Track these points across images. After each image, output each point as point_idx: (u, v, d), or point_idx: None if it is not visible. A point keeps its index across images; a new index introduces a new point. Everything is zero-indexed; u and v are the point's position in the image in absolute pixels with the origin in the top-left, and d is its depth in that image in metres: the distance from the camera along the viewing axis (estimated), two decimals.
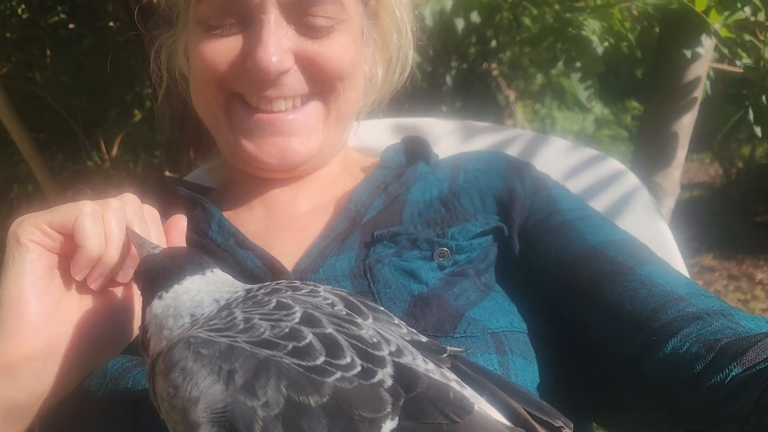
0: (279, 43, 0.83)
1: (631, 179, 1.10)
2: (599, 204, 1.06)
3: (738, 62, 1.54)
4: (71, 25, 2.76)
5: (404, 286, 0.79)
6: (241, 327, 0.53)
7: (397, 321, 0.60)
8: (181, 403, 0.50)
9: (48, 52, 2.89)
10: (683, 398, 0.66)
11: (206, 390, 0.49)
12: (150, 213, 0.75)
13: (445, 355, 0.57)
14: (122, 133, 2.92)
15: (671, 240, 1.02)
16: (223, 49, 0.86)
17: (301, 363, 0.50)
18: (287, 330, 0.52)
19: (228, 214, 0.92)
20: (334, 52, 0.87)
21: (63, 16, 2.93)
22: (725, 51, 1.55)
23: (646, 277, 0.77)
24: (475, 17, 1.74)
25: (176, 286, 0.60)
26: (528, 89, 3.86)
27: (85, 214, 0.67)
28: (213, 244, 0.86)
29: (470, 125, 1.21)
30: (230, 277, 0.64)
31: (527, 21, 1.89)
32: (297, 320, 0.54)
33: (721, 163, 5.79)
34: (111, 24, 2.83)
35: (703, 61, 1.74)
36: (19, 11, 2.83)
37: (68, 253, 0.70)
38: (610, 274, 0.79)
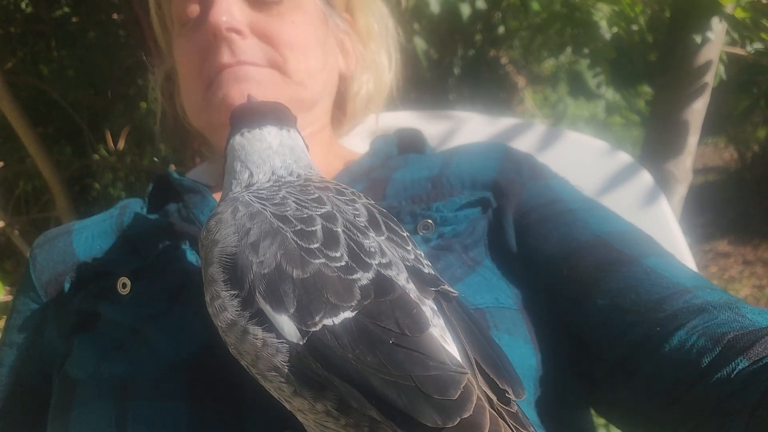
0: (228, 5, 0.89)
1: (644, 175, 1.07)
2: (608, 199, 1.03)
3: (749, 48, 1.50)
4: (74, 19, 2.75)
5: None
6: (276, 201, 0.62)
7: (410, 247, 0.64)
8: (207, 243, 0.60)
9: (53, 46, 2.88)
10: (690, 392, 0.65)
11: (225, 238, 0.58)
12: None
13: (434, 288, 0.60)
14: (128, 127, 2.91)
15: (680, 235, 0.99)
16: (193, 42, 0.92)
17: (298, 242, 0.57)
18: (305, 216, 0.60)
19: None
20: (284, 24, 0.93)
21: (67, 9, 2.92)
22: (735, 36, 1.51)
23: (651, 268, 0.76)
24: (481, 3, 1.70)
25: (256, 131, 0.70)
26: (540, 74, 3.81)
27: None
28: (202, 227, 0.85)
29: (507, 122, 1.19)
30: (302, 143, 0.74)
31: (535, 5, 1.85)
32: (319, 213, 0.61)
33: (735, 147, 5.70)
34: (115, 16, 2.81)
35: (715, 45, 1.70)
36: (23, 5, 2.83)
37: None
38: (614, 264, 0.77)
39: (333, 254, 0.57)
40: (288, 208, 0.61)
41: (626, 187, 1.05)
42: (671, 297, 0.72)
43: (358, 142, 1.07)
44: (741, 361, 0.61)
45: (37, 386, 0.87)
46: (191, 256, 0.81)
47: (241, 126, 0.71)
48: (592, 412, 0.84)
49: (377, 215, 0.65)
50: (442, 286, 0.60)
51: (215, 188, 1.01)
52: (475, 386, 0.52)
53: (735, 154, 5.72)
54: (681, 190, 1.91)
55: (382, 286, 0.56)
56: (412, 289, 0.58)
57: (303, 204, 0.62)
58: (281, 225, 0.58)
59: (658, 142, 1.89)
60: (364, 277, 0.56)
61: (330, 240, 0.58)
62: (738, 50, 1.77)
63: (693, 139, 1.86)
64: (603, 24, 1.48)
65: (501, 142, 1.06)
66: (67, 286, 0.83)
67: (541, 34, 1.76)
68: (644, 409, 0.72)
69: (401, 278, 0.58)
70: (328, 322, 0.53)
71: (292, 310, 0.53)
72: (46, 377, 0.86)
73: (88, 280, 0.83)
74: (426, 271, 0.62)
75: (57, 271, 0.89)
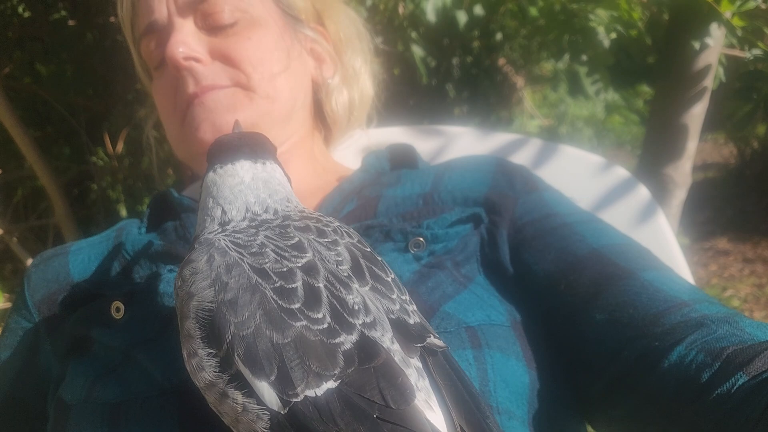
0: (184, 36, 0.91)
1: (641, 190, 1.06)
2: (605, 214, 1.02)
3: (748, 54, 1.49)
4: (71, 22, 2.74)
5: None
6: (254, 250, 0.59)
7: (395, 295, 0.62)
8: (183, 294, 0.57)
9: (51, 49, 2.87)
10: (689, 408, 0.64)
11: (201, 291, 0.56)
12: None
13: (419, 344, 0.59)
14: (126, 130, 2.91)
15: (678, 249, 0.99)
16: (163, 79, 0.96)
17: (278, 301, 0.55)
18: (285, 270, 0.57)
19: None
20: (241, 41, 0.93)
21: (64, 13, 2.90)
22: (734, 42, 1.50)
23: (649, 282, 0.75)
24: (479, 10, 1.69)
25: (228, 166, 0.68)
26: (539, 74, 3.79)
27: None
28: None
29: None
30: (279, 175, 0.71)
31: (533, 11, 1.84)
32: (299, 265, 0.58)
33: (735, 144, 5.69)
34: (112, 19, 2.80)
35: (714, 50, 1.69)
36: (20, 10, 2.82)
37: None
38: (612, 278, 0.77)
39: (315, 315, 0.55)
40: (267, 259, 0.58)
41: (623, 202, 1.05)
42: (669, 311, 0.71)
43: (350, 158, 1.07)
44: (741, 376, 0.61)
45: (33, 405, 0.87)
46: None
47: (215, 161, 0.70)
48: (589, 429, 0.83)
49: (361, 260, 0.63)
50: (428, 339, 0.59)
51: None
52: None
53: (734, 150, 5.71)
54: (680, 194, 1.90)
55: (367, 350, 0.54)
56: (397, 350, 0.57)
57: (282, 253, 0.59)
58: (260, 281, 0.56)
59: (657, 146, 1.88)
60: (347, 341, 0.54)
61: (311, 298, 0.56)
62: (738, 53, 1.77)
63: (692, 143, 1.86)
64: (601, 30, 1.47)
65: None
66: (59, 306, 0.83)
67: (539, 35, 1.76)
68: (643, 426, 0.72)
69: (386, 339, 0.57)
70: (310, 393, 0.51)
71: (272, 378, 0.51)
72: (42, 396, 0.86)
73: (81, 301, 0.83)
74: (412, 321, 0.60)
75: (51, 290, 0.89)
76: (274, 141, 0.94)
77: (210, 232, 0.64)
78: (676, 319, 0.70)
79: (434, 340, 0.60)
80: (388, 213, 0.87)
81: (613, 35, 1.55)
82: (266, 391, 0.51)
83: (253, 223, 0.64)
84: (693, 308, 0.71)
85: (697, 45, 1.55)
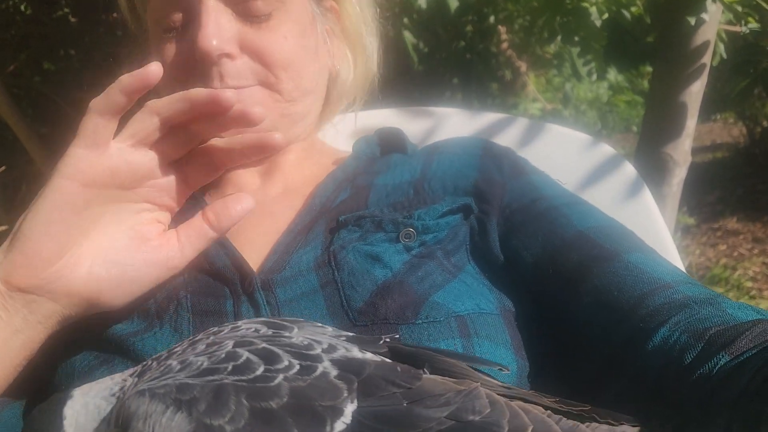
0: (218, 25, 0.85)
1: (627, 167, 1.07)
2: (592, 191, 1.03)
3: (744, 28, 1.48)
4: (73, 19, 2.76)
5: (368, 273, 0.78)
6: (178, 368, 0.54)
7: (320, 325, 0.62)
8: None
9: (54, 47, 2.89)
10: (674, 389, 0.65)
11: (168, 423, 0.49)
12: None
13: (381, 342, 0.60)
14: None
15: (664, 226, 1.00)
16: (178, 53, 0.89)
17: (242, 377, 0.51)
18: (223, 355, 0.54)
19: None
20: (277, 41, 0.88)
21: (66, 10, 2.93)
22: (731, 17, 1.49)
23: (633, 264, 0.76)
24: None
25: (65, 423, 0.57)
26: (542, 57, 3.77)
27: (162, 99, 0.73)
28: None
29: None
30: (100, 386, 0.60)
31: None
32: (230, 347, 0.55)
33: (744, 123, 5.63)
34: (114, 15, 2.82)
35: (711, 25, 1.68)
36: (22, 8, 2.84)
37: (128, 182, 0.74)
38: (597, 260, 0.77)
39: (281, 366, 0.53)
40: (199, 362, 0.54)
41: (610, 180, 1.05)
42: (652, 293, 0.72)
43: (341, 141, 1.07)
44: (723, 356, 0.62)
45: None
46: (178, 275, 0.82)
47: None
48: None
49: (271, 319, 0.63)
50: (383, 338, 0.61)
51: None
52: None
53: (743, 129, 5.65)
54: (680, 173, 1.90)
55: (352, 366, 0.54)
56: (370, 356, 0.57)
57: (205, 353, 0.56)
58: (212, 377, 0.51)
59: (656, 125, 1.88)
60: (328, 368, 0.53)
61: (268, 356, 0.54)
62: (738, 29, 1.75)
63: (691, 122, 1.85)
64: (593, 11, 1.47)
65: (483, 137, 1.06)
66: None
67: (533, 17, 1.75)
68: (630, 408, 0.72)
69: (355, 352, 0.57)
70: (340, 426, 0.49)
71: None
72: None
73: None
74: (350, 335, 0.62)
75: None
76: (288, 139, 0.93)
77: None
78: (660, 301, 0.70)
79: (387, 335, 0.62)
80: (379, 203, 0.87)
81: (606, 15, 1.54)
82: None
83: (132, 382, 0.57)
84: (676, 290, 0.71)
85: (692, 21, 1.54)
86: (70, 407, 0.57)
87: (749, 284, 3.67)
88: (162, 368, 0.55)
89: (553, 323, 0.80)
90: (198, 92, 0.72)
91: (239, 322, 0.62)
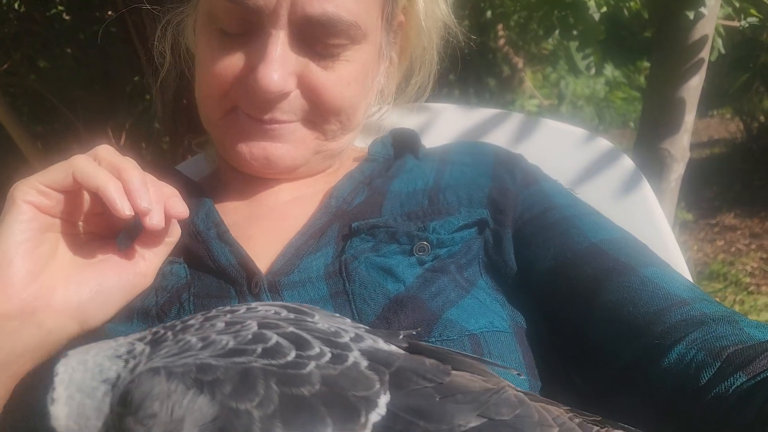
0: (284, 63, 0.80)
1: (625, 161, 1.06)
2: (590, 186, 1.02)
3: (743, 22, 1.47)
4: (67, 17, 2.75)
5: (380, 286, 0.76)
6: (200, 346, 0.51)
7: (338, 316, 0.61)
8: (162, 429, 0.45)
9: (47, 44, 2.88)
10: (687, 408, 0.64)
11: (190, 405, 0.46)
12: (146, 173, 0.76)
13: (401, 337, 0.58)
14: (128, 124, 2.92)
15: (664, 220, 0.99)
16: (228, 63, 0.82)
17: (273, 362, 0.48)
18: (250, 336, 0.51)
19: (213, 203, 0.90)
20: (339, 86, 0.83)
21: (61, 8, 2.91)
22: (732, 12, 1.49)
23: (649, 278, 0.74)
24: None
25: (56, 379, 0.53)
26: (538, 54, 3.76)
27: (80, 161, 0.70)
28: (194, 232, 0.84)
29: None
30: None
31: None
32: (255, 328, 0.52)
33: (741, 119, 5.64)
34: (109, 13, 2.80)
35: (709, 20, 1.67)
36: (16, 5, 2.82)
37: (71, 215, 0.73)
38: (612, 273, 0.76)
39: (312, 353, 0.50)
40: (224, 341, 0.51)
41: (608, 174, 1.04)
42: (669, 309, 0.70)
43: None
44: (740, 376, 0.61)
45: None
46: (181, 270, 0.81)
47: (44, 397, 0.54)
48: None
49: (290, 305, 0.60)
50: (402, 333, 0.60)
51: (202, 181, 1.01)
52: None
53: (740, 125, 5.65)
54: (679, 168, 1.89)
55: (380, 358, 0.52)
56: (395, 349, 0.55)
57: (228, 332, 0.53)
58: (240, 359, 0.48)
59: (654, 121, 1.87)
60: (358, 358, 0.51)
61: (298, 341, 0.51)
62: (736, 23, 1.74)
63: (689, 117, 1.84)
64: (591, 5, 1.46)
65: (481, 133, 1.04)
66: None
67: (530, 12, 1.74)
68: (641, 423, 0.71)
69: (380, 344, 0.55)
70: (375, 417, 0.47)
71: (329, 430, 0.45)
72: None
73: None
74: (367, 328, 0.60)
75: None
76: (314, 168, 0.91)
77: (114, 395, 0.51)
78: (677, 317, 0.69)
79: (405, 331, 0.61)
80: (393, 212, 0.85)
81: (604, 9, 1.53)
82: None
83: (142, 350, 0.54)
84: (693, 306, 0.70)
85: (691, 15, 1.53)
86: (63, 364, 0.54)
87: (747, 279, 3.67)
88: (180, 344, 0.52)
89: (565, 337, 0.78)
90: (110, 199, 0.69)
91: (254, 304, 0.60)
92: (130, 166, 0.72)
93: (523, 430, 0.50)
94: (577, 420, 0.54)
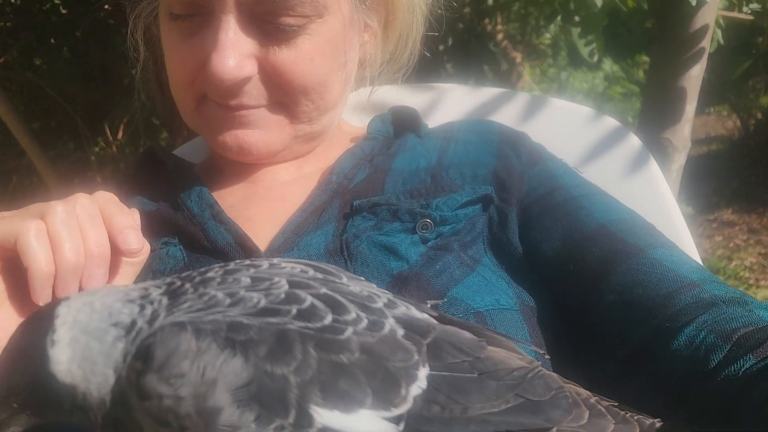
0: (237, 48, 0.76)
1: (632, 139, 1.05)
2: (597, 164, 1.01)
3: (746, 8, 1.47)
4: (63, 10, 2.73)
5: (383, 265, 0.75)
6: (228, 302, 0.47)
7: (363, 279, 0.58)
8: (192, 391, 0.42)
9: (43, 38, 2.87)
10: (697, 389, 0.63)
11: (223, 367, 0.42)
12: (106, 202, 0.70)
13: (428, 305, 0.57)
14: (125, 118, 2.90)
15: (671, 197, 0.98)
16: (187, 51, 0.80)
17: (309, 325, 0.45)
18: (283, 296, 0.48)
19: (208, 186, 0.88)
20: (302, 63, 0.79)
21: (57, 1, 2.90)
22: (734, 0, 1.48)
23: (658, 260, 0.73)
24: None
25: (57, 321, 0.48)
26: (537, 47, 3.76)
27: (31, 230, 0.62)
28: (188, 215, 0.82)
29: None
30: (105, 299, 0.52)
31: None
32: (287, 287, 0.49)
33: (738, 115, 5.64)
34: (106, 7, 2.79)
35: (710, 9, 1.67)
36: None
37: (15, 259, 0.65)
38: (620, 255, 0.75)
39: (349, 318, 0.48)
40: (255, 299, 0.48)
41: (615, 152, 1.03)
42: (679, 291, 0.70)
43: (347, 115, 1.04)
44: (749, 358, 0.60)
45: None
46: (177, 252, 0.79)
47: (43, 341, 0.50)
48: None
49: (316, 263, 0.57)
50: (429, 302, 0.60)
51: (199, 165, 0.99)
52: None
53: (738, 122, 5.65)
54: (680, 158, 1.88)
55: (416, 327, 0.50)
56: (427, 317, 0.53)
57: (257, 288, 0.50)
58: (274, 319, 0.46)
59: (655, 111, 1.86)
60: (395, 326, 0.49)
61: (334, 305, 0.49)
62: (735, 14, 1.74)
63: (690, 106, 1.83)
64: None
65: (486, 112, 1.03)
66: None
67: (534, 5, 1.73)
68: (651, 407, 0.70)
69: (413, 311, 0.53)
70: (415, 390, 0.45)
71: (369, 400, 0.43)
72: None
73: None
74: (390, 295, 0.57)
75: None
76: (298, 151, 0.88)
77: (130, 346, 0.47)
78: (687, 299, 0.68)
79: (431, 300, 0.61)
80: (395, 190, 0.84)
81: None
82: (366, 420, 0.43)
83: (159, 296, 0.50)
84: (702, 288, 0.69)
85: (693, 1, 1.52)
86: (66, 306, 0.50)
87: (746, 274, 3.67)
88: (205, 298, 0.48)
89: (573, 318, 0.77)
90: (31, 285, 0.62)
91: (275, 260, 0.57)
92: (88, 234, 0.65)
93: (559, 413, 0.49)
94: (604, 404, 0.53)
